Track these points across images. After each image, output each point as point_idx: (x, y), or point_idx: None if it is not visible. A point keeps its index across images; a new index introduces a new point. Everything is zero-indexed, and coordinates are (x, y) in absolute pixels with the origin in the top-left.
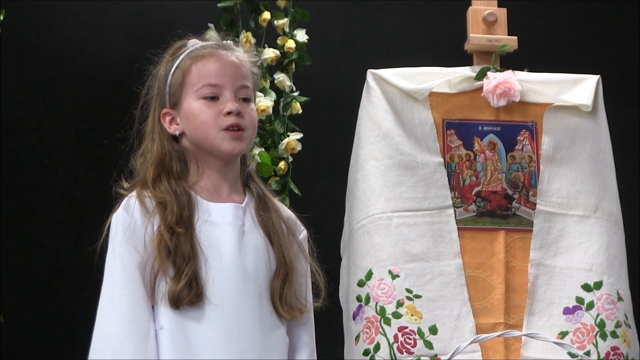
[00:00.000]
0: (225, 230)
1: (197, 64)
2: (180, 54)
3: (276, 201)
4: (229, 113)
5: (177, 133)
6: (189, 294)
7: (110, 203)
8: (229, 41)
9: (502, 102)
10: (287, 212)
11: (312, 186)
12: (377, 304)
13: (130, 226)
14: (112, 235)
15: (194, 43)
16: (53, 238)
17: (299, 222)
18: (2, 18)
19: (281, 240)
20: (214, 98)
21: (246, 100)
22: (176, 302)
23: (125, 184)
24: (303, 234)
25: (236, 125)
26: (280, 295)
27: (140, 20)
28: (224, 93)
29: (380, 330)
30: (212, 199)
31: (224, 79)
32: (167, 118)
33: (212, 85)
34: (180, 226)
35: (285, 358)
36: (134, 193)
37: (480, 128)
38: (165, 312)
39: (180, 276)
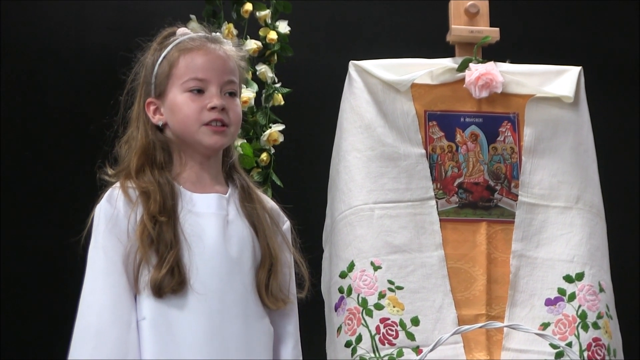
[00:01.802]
0: (210, 220)
1: (185, 56)
2: (168, 44)
3: (259, 192)
4: (213, 108)
5: (160, 123)
6: (171, 282)
7: (95, 193)
8: (217, 33)
9: (484, 94)
10: (270, 202)
11: (295, 178)
12: (359, 295)
13: (112, 217)
14: (95, 226)
15: (182, 32)
16: (37, 230)
17: (282, 213)
18: None
19: (266, 230)
20: (199, 91)
21: (232, 94)
22: (159, 290)
23: (110, 171)
24: (286, 225)
25: (219, 120)
26: (266, 286)
27: (123, 11)
28: (209, 87)
29: (362, 321)
30: (196, 189)
31: (211, 73)
32: (152, 107)
33: (198, 79)
34: (162, 215)
35: (269, 348)
36: (117, 184)
37: (462, 119)
38: (148, 302)
39: (163, 263)
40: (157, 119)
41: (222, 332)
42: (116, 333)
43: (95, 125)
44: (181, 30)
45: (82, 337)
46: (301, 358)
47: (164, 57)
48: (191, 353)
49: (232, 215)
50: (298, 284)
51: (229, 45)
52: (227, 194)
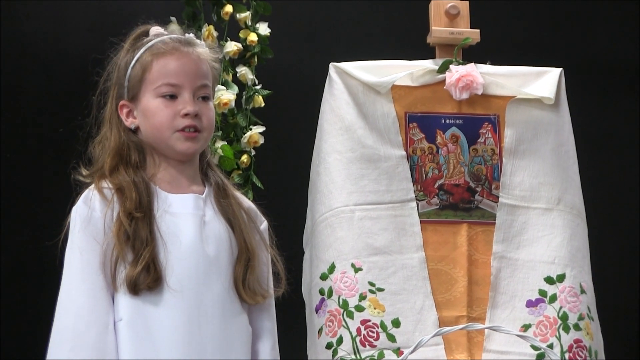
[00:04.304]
0: (186, 220)
1: (158, 60)
2: (141, 45)
3: (236, 191)
4: (186, 115)
5: (132, 127)
6: (147, 278)
7: (71, 195)
8: (191, 35)
9: (465, 95)
10: (247, 202)
11: (275, 179)
12: (339, 297)
13: (87, 217)
14: (71, 228)
15: (156, 32)
16: (16, 232)
17: (259, 213)
18: None
19: (242, 225)
20: (172, 97)
21: (205, 99)
22: (134, 287)
23: (84, 171)
24: (264, 224)
25: (192, 127)
26: (243, 280)
27: (103, 13)
28: (182, 93)
29: (343, 323)
30: (172, 190)
31: (184, 78)
32: (125, 110)
33: (171, 84)
34: (138, 211)
35: (247, 347)
36: (92, 185)
37: (442, 121)
38: (125, 300)
39: (138, 260)
40: (129, 122)
41: (200, 332)
42: (93, 334)
43: (69, 127)
44: (154, 29)
45: (59, 339)
46: (279, 357)
47: (137, 60)
48: (169, 353)
49: (209, 216)
50: (276, 282)
51: (202, 48)
52: (204, 194)
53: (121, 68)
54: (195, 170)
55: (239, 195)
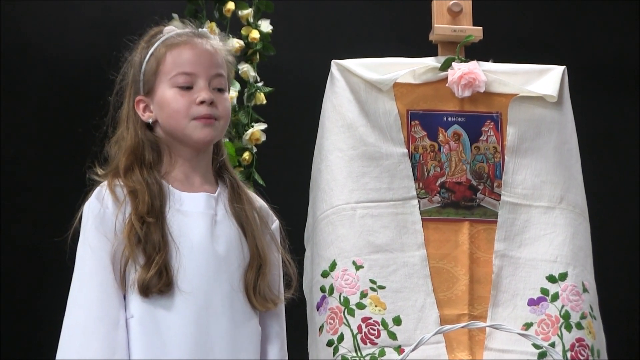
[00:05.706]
0: (197, 219)
1: (171, 52)
2: (155, 41)
3: (249, 191)
4: (201, 102)
5: (150, 121)
6: (158, 283)
7: (83, 193)
8: (204, 29)
9: (467, 93)
10: (259, 201)
11: (277, 177)
12: (340, 294)
13: (100, 214)
14: (83, 223)
15: (169, 30)
16: (25, 229)
17: (271, 213)
18: None
19: (254, 231)
20: (188, 87)
21: (220, 90)
22: (145, 291)
23: (99, 171)
24: (275, 224)
25: (208, 115)
26: (254, 287)
27: (106, 11)
28: (197, 82)
29: (344, 321)
30: (184, 188)
31: (198, 67)
32: (141, 105)
33: (186, 73)
34: (150, 215)
35: (257, 348)
36: (105, 183)
37: (444, 119)
38: (135, 301)
39: (150, 265)
40: (146, 117)
41: (209, 331)
42: (104, 331)
43: (83, 128)
44: (168, 28)
45: (69, 335)
46: (287, 358)
47: (151, 54)
48: (177, 352)
49: (221, 216)
50: (286, 283)
51: (216, 40)
52: (216, 193)
53: (136, 65)
54: (208, 167)
55: (251, 195)
